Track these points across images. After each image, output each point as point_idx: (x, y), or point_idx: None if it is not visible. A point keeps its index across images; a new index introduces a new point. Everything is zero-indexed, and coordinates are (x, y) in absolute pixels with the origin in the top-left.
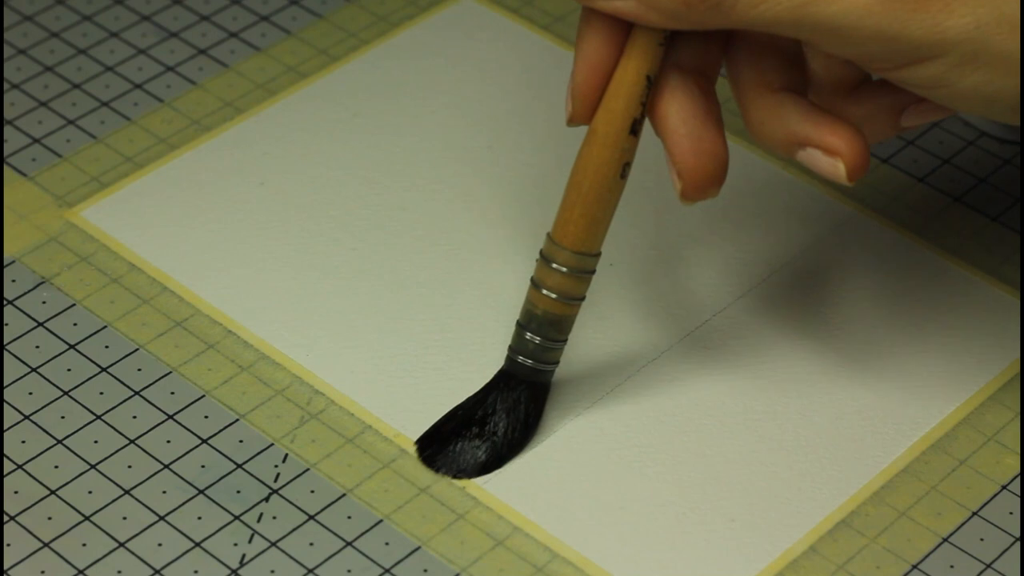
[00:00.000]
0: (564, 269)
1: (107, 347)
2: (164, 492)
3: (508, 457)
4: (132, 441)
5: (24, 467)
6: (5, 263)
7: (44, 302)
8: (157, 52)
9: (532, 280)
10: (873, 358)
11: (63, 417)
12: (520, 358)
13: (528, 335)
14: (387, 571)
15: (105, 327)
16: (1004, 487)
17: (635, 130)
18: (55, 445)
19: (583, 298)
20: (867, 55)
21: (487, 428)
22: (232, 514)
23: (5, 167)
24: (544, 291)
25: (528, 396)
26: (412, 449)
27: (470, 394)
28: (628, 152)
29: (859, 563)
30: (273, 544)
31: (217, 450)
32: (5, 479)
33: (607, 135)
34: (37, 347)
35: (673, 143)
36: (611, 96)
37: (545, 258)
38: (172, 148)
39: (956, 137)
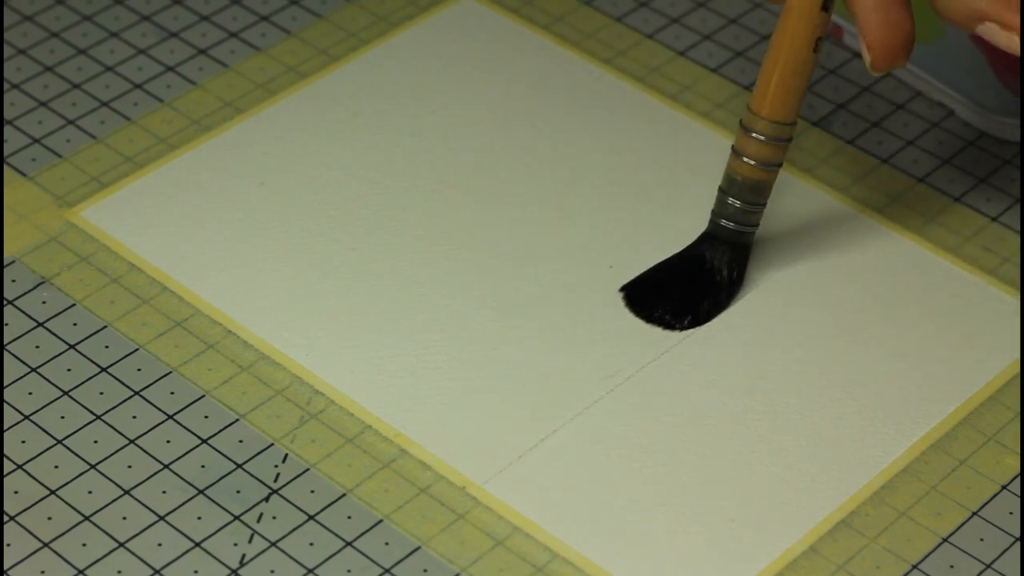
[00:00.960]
0: (762, 137)
1: (107, 347)
2: (164, 492)
3: (724, 305)
4: (132, 441)
5: (24, 467)
6: (5, 263)
7: (44, 302)
8: (157, 52)
9: (732, 148)
10: (873, 358)
11: (63, 417)
12: (723, 221)
13: (730, 199)
14: (387, 571)
15: (105, 327)
16: (1004, 487)
17: (826, 6)
18: (55, 445)
19: (781, 164)
20: None
21: (701, 279)
22: (232, 514)
23: (5, 167)
24: (744, 159)
25: (732, 256)
26: (620, 297)
27: (470, 393)
28: (821, 27)
29: (859, 563)
30: (273, 544)
31: (217, 450)
32: (5, 479)
33: (802, 9)
34: (37, 347)
35: (863, 16)
36: None
37: (745, 128)
38: (172, 148)
39: (956, 137)
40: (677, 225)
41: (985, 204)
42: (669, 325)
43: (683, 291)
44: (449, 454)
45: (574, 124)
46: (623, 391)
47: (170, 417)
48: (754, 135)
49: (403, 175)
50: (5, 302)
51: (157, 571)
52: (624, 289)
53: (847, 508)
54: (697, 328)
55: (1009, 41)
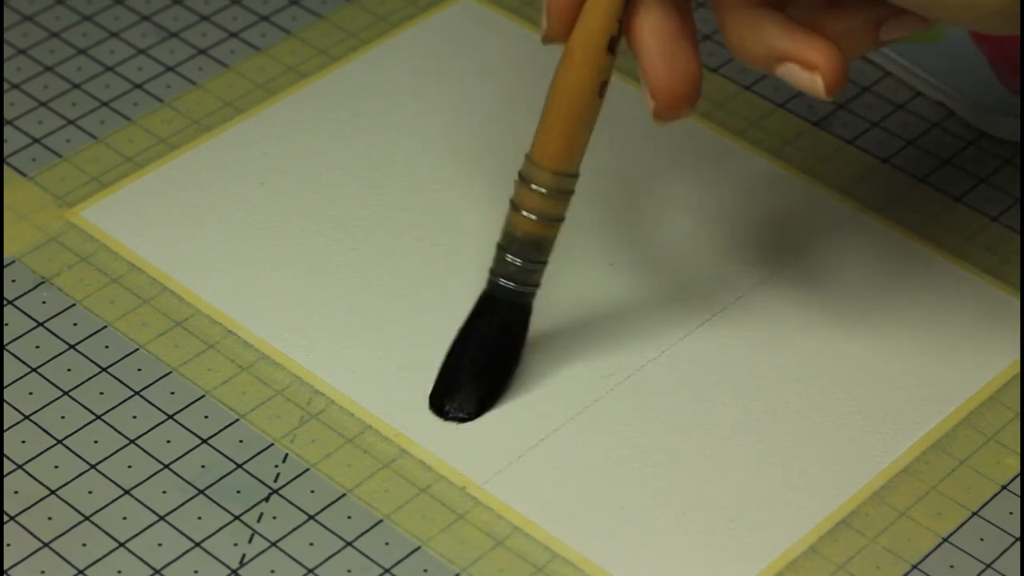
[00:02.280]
0: (543, 190)
1: (107, 347)
2: (164, 492)
3: (504, 386)
4: (132, 441)
5: (24, 467)
6: (5, 263)
7: (44, 302)
8: (157, 52)
9: (511, 202)
10: (873, 358)
11: (63, 417)
12: (502, 281)
13: (509, 257)
14: (387, 571)
15: (105, 327)
16: (1004, 487)
17: (612, 48)
18: (55, 445)
19: (562, 219)
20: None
21: (479, 361)
22: (232, 514)
23: (5, 167)
24: (524, 212)
25: (512, 319)
26: (426, 414)
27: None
28: (605, 71)
29: (859, 563)
30: (273, 544)
31: (217, 450)
32: (5, 479)
33: (585, 54)
34: (37, 347)
35: (647, 62)
36: (588, 14)
37: (524, 179)
38: (172, 148)
39: (956, 137)
40: (677, 224)
41: (985, 204)
42: (463, 419)
43: (468, 383)
44: (449, 454)
45: None
46: (623, 390)
47: (170, 417)
48: (534, 187)
49: (403, 175)
50: (5, 302)
51: (157, 571)
52: (430, 399)
53: (847, 508)
54: (697, 328)
55: (812, 83)
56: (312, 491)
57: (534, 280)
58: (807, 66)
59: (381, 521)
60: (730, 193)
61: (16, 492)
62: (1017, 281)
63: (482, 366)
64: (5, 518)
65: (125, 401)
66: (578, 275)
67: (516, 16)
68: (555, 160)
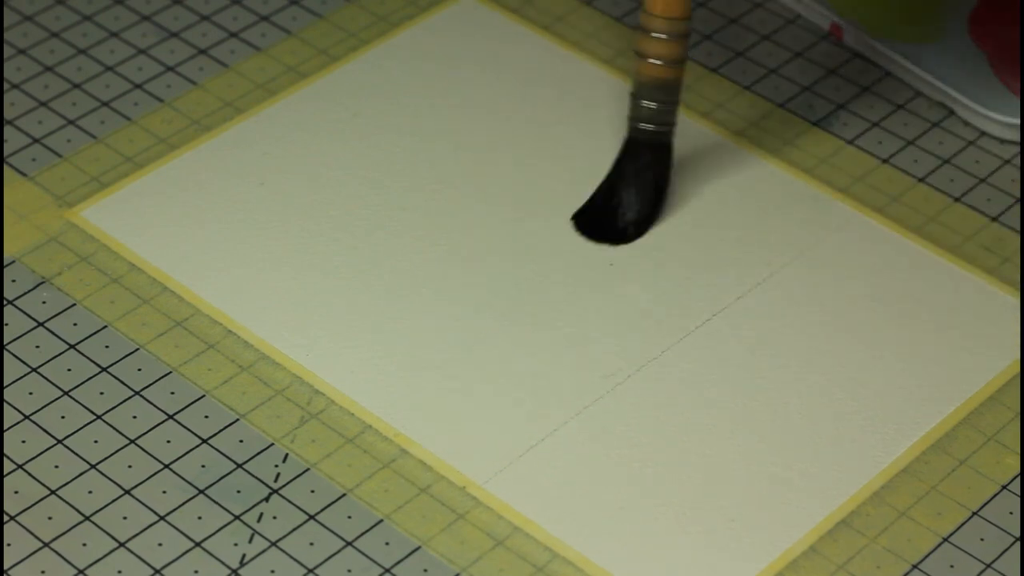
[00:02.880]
0: (663, 35)
1: (107, 347)
2: (164, 492)
3: (653, 217)
4: (132, 441)
5: (24, 467)
6: (5, 263)
7: (44, 302)
8: (157, 52)
9: (635, 52)
10: (873, 358)
11: (63, 417)
12: (641, 124)
13: (643, 102)
14: (387, 571)
15: (105, 327)
16: (1004, 487)
17: None
18: (55, 445)
19: (684, 59)
20: None
21: (626, 195)
22: (232, 514)
23: (5, 167)
24: (649, 59)
25: (655, 158)
26: (570, 225)
27: (470, 393)
28: None
29: (859, 563)
30: (273, 544)
31: (217, 450)
32: (5, 479)
33: None
34: (37, 347)
35: None
36: None
37: (643, 29)
38: (172, 148)
39: (956, 137)
40: (677, 223)
41: (985, 204)
42: (617, 240)
43: (632, 193)
44: (449, 454)
45: (574, 124)
46: (623, 390)
47: (170, 417)
48: (653, 35)
49: (403, 175)
50: (5, 302)
51: (157, 571)
52: (574, 219)
53: (847, 508)
54: (697, 328)
55: None
56: (312, 491)
57: (670, 119)
58: None
59: (381, 521)
60: (730, 193)
61: (16, 492)
62: (1017, 281)
63: (637, 189)
64: (5, 518)
65: (125, 401)
66: (578, 275)
67: (516, 16)
68: (667, 7)
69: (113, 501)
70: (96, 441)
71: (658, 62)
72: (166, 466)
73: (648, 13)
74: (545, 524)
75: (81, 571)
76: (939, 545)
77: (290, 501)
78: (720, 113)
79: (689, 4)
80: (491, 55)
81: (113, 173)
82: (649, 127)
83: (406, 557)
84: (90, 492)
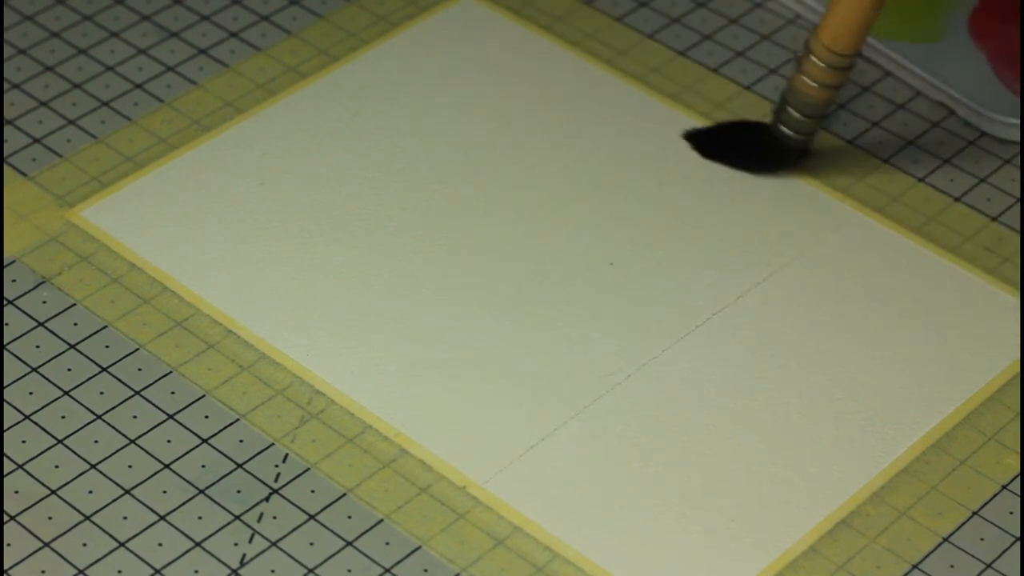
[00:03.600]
0: (822, 64)
1: (107, 347)
2: (164, 492)
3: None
4: (132, 441)
5: (24, 467)
6: (5, 263)
7: (44, 302)
8: (157, 52)
9: (796, 62)
10: (873, 358)
11: (63, 417)
12: (782, 127)
13: (789, 109)
14: (387, 571)
15: (105, 327)
16: (1004, 487)
17: None
18: (55, 445)
19: (840, 86)
20: None
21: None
22: (232, 514)
23: (5, 167)
24: (805, 78)
25: (786, 155)
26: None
27: (470, 393)
28: None
29: (859, 563)
30: (273, 544)
31: (217, 450)
32: (5, 479)
33: None
34: (37, 347)
35: None
36: None
37: (808, 49)
38: (172, 148)
39: (956, 137)
40: (677, 223)
41: (985, 204)
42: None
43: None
44: (449, 454)
45: (574, 124)
46: (623, 390)
47: (170, 417)
48: (814, 59)
49: (403, 175)
50: (5, 302)
51: (157, 571)
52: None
53: (847, 508)
54: (697, 328)
55: None
56: (312, 491)
57: (809, 129)
58: None
59: (381, 521)
60: (730, 193)
61: (16, 492)
62: (1017, 281)
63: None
64: (5, 518)
65: (125, 401)
66: (578, 275)
67: (516, 16)
68: (833, 40)
69: (113, 501)
70: (96, 441)
71: (813, 84)
72: (166, 466)
73: (816, 38)
74: (545, 524)
75: (81, 571)
76: (939, 545)
77: (290, 501)
78: (720, 113)
79: (861, 42)
80: (491, 55)
81: (113, 173)
82: (788, 132)
83: (406, 557)
84: (90, 492)
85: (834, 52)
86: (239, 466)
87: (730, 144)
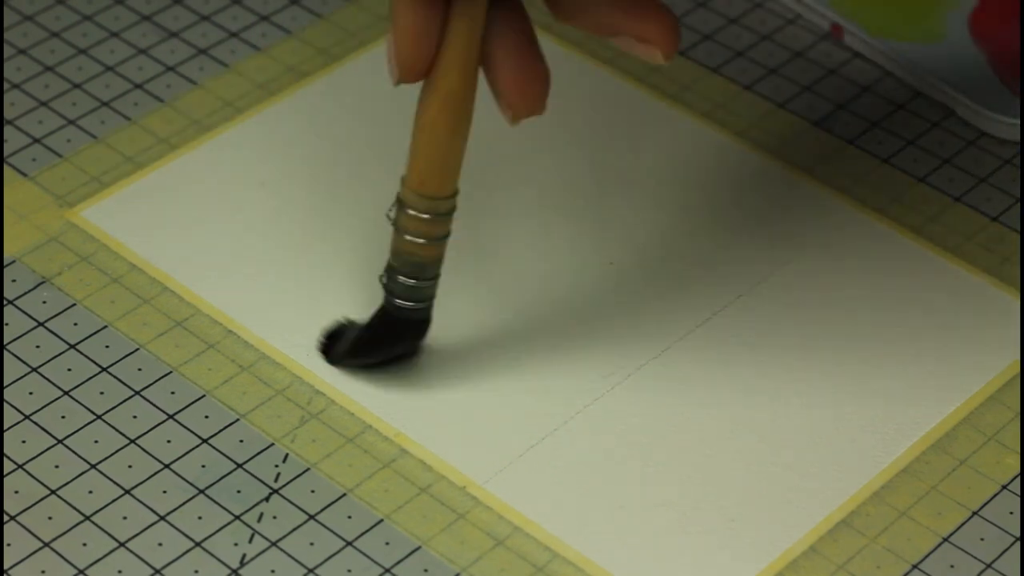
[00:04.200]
0: (424, 215)
1: (107, 347)
2: (164, 492)
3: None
4: (132, 441)
5: (24, 467)
6: (5, 263)
7: (44, 302)
8: (157, 52)
9: (394, 225)
10: (873, 358)
11: (63, 417)
12: (397, 301)
13: (400, 277)
14: (387, 571)
15: (105, 327)
16: (1004, 487)
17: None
18: (55, 445)
19: (446, 236)
20: None
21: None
22: (232, 514)
23: (5, 167)
24: (407, 236)
25: (409, 332)
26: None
27: (471, 392)
28: (470, 114)
29: (859, 563)
30: (273, 544)
31: (217, 450)
32: (5, 479)
33: (451, 92)
34: (37, 347)
35: (502, 79)
36: (450, 56)
37: (400, 203)
38: (172, 148)
39: (956, 137)
40: (676, 223)
41: (985, 204)
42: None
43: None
44: (449, 454)
45: (574, 124)
46: (623, 389)
47: (170, 417)
48: (411, 212)
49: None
50: (5, 302)
51: (157, 571)
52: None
53: (847, 508)
54: (697, 328)
55: (650, 56)
56: (312, 491)
57: (429, 294)
58: (642, 40)
59: (381, 521)
60: (730, 192)
61: (16, 492)
62: (1017, 281)
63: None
64: (5, 518)
65: (125, 401)
66: (578, 275)
67: None
68: (422, 183)
69: (113, 501)
70: (96, 441)
71: (418, 240)
72: (166, 466)
73: (408, 188)
74: (545, 524)
75: (81, 571)
76: (939, 545)
77: (290, 501)
78: (720, 113)
79: (453, 180)
80: None
81: (113, 173)
82: (407, 304)
83: (406, 557)
84: (90, 492)
85: (427, 196)
86: (239, 466)
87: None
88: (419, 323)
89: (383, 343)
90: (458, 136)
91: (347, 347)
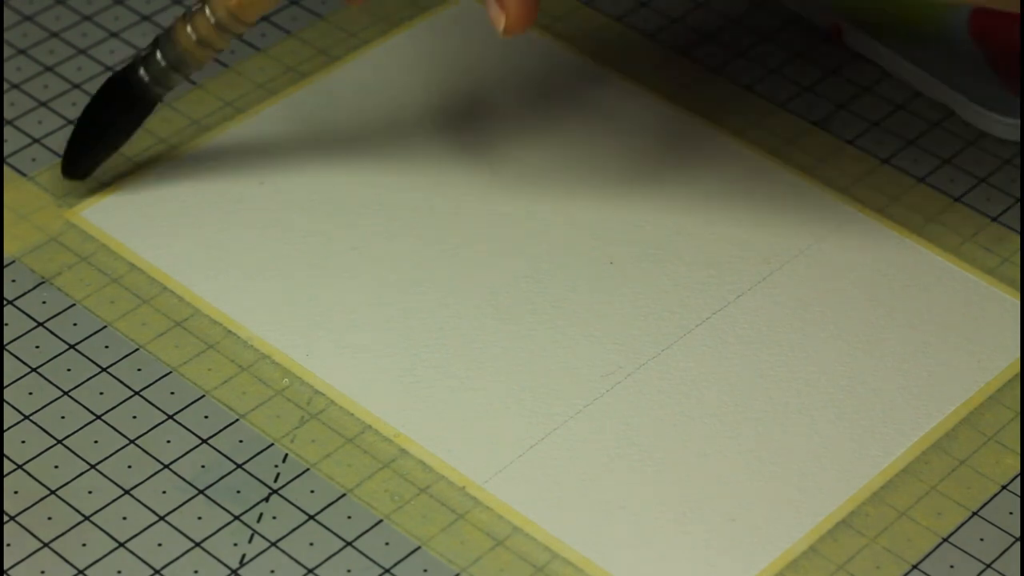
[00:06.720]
0: (213, 21)
1: (107, 347)
2: (164, 492)
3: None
4: (132, 441)
5: (24, 467)
6: (5, 263)
7: (44, 302)
8: None
9: (185, 12)
10: (873, 358)
11: (63, 417)
12: (142, 70)
13: (159, 55)
14: (387, 571)
15: (105, 327)
16: (1004, 487)
17: None
18: (55, 445)
19: (220, 51)
20: None
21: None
22: (232, 514)
23: (5, 167)
24: (190, 31)
25: (136, 107)
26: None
27: (471, 392)
28: None
29: (859, 563)
30: (273, 544)
31: (217, 450)
32: (5, 479)
33: None
34: (37, 347)
35: None
36: None
37: (207, 4)
38: (172, 148)
39: (956, 137)
40: (676, 222)
41: (985, 204)
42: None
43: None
44: (449, 454)
45: (574, 123)
46: (623, 389)
47: (170, 417)
48: (209, 15)
49: (403, 175)
50: (5, 302)
51: (157, 571)
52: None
53: (847, 508)
54: (697, 327)
55: (496, 21)
56: (312, 491)
57: (169, 84)
58: (500, 4)
59: (381, 521)
60: (730, 192)
61: (16, 492)
62: (1017, 281)
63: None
64: (5, 518)
65: (125, 401)
66: (578, 274)
67: None
68: (243, 9)
69: (113, 501)
70: (96, 441)
71: (193, 37)
72: (166, 466)
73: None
74: (545, 524)
75: (81, 571)
76: (939, 545)
77: (290, 501)
78: (720, 113)
79: (260, 13)
80: (491, 55)
81: (113, 173)
82: (147, 78)
83: (406, 557)
84: (90, 492)
85: (237, 18)
86: (239, 466)
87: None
88: (142, 102)
89: (102, 112)
90: None
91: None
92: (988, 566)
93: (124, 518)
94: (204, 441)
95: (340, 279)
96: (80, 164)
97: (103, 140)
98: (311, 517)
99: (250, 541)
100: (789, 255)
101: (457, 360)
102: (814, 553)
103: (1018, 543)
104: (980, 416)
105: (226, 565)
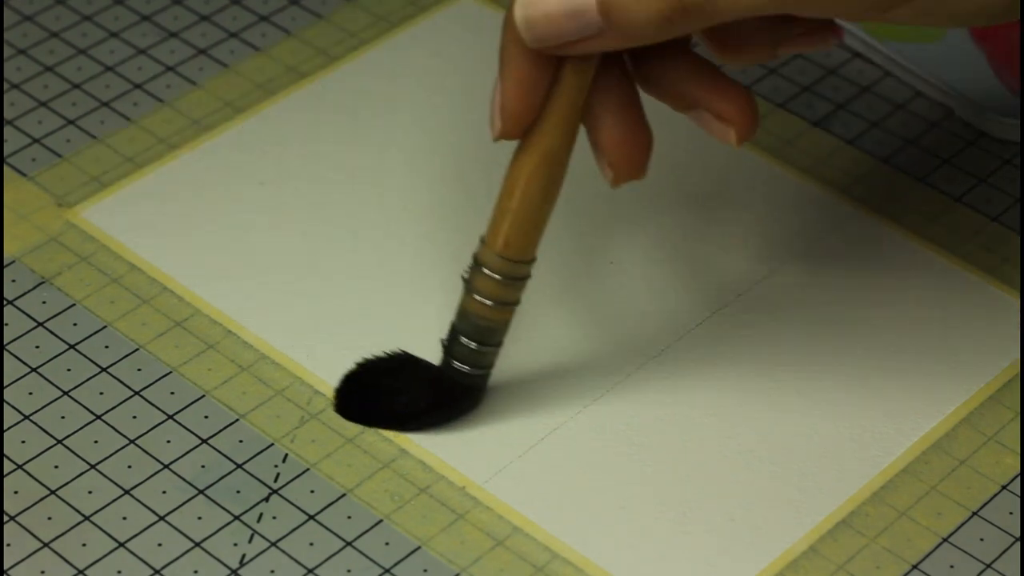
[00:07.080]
0: (498, 276)
1: (107, 347)
2: (164, 492)
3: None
4: (132, 441)
5: (24, 467)
6: (5, 263)
7: (44, 302)
8: (157, 52)
9: (468, 287)
10: (873, 358)
11: (63, 417)
12: (455, 363)
13: (463, 339)
14: (387, 571)
15: (105, 327)
16: (1004, 487)
17: (569, 152)
18: (55, 445)
19: (517, 303)
20: (856, 10)
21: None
22: (232, 514)
23: (5, 167)
24: (477, 296)
25: (463, 398)
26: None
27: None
28: (563, 174)
29: (859, 563)
30: (273, 544)
31: (217, 450)
32: (5, 479)
33: (551, 151)
34: (37, 347)
35: (605, 137)
36: (556, 112)
37: (477, 260)
38: (172, 148)
39: (956, 137)
40: (676, 222)
41: (985, 204)
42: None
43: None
44: (449, 454)
45: None
46: (623, 389)
47: (170, 417)
48: (486, 271)
49: (403, 175)
50: (5, 302)
51: (157, 571)
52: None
53: (847, 508)
54: (697, 326)
55: (725, 134)
56: (312, 491)
57: (489, 362)
58: (720, 117)
59: (381, 521)
60: (730, 192)
61: (16, 492)
62: (1017, 281)
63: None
64: (5, 518)
65: (125, 401)
66: (578, 274)
67: None
68: (507, 246)
69: (113, 501)
70: (96, 441)
71: (488, 302)
72: (166, 466)
73: (487, 246)
74: (545, 524)
75: (81, 571)
76: (939, 545)
77: (290, 501)
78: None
79: (536, 245)
80: (491, 55)
81: (113, 173)
82: (464, 368)
83: (406, 557)
84: (90, 492)
85: (508, 259)
86: (239, 466)
87: (387, 391)
88: (472, 391)
89: (433, 409)
90: (550, 199)
91: (390, 414)
92: (988, 566)
93: (124, 518)
94: (204, 441)
95: (340, 279)
96: (354, 415)
97: (404, 422)
98: (311, 517)
99: (250, 541)
100: (789, 255)
101: None
102: (814, 553)
103: (1018, 543)
104: (980, 416)
105: (226, 565)
